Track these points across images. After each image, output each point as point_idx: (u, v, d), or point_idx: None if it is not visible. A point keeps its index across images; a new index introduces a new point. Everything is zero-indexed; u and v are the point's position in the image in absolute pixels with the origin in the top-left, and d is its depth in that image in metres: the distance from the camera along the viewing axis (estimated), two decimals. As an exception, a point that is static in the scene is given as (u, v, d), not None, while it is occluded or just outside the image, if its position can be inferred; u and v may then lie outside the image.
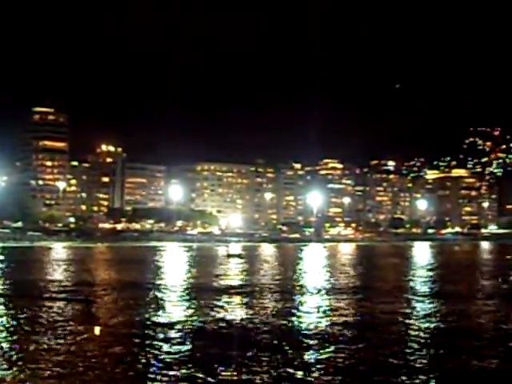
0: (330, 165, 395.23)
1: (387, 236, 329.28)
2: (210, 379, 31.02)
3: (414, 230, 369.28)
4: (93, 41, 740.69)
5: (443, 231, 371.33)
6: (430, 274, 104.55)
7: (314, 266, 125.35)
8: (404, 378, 31.76)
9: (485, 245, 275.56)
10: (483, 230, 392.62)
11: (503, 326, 48.21)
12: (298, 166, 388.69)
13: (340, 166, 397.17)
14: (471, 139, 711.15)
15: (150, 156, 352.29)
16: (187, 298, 67.16)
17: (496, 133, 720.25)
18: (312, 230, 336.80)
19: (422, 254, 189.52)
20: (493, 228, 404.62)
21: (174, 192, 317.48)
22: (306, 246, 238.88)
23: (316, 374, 32.29)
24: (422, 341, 41.67)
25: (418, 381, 31.50)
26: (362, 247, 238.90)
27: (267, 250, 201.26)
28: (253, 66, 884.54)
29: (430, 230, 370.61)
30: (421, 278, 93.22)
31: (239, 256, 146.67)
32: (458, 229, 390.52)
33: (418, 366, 34.60)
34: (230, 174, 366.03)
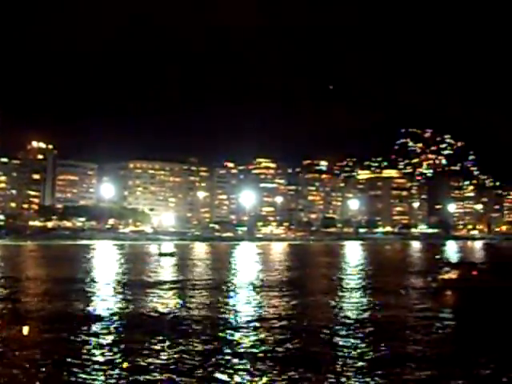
0: (263, 164, 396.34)
1: (319, 235, 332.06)
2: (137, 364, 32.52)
3: (346, 230, 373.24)
4: (25, 37, 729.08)
5: (374, 230, 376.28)
6: (360, 271, 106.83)
7: (245, 264, 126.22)
8: (328, 363, 33.36)
9: (415, 244, 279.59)
10: (413, 230, 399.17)
11: (422, 316, 50.14)
12: (231, 164, 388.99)
13: (273, 165, 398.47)
14: (402, 140, 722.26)
15: (82, 153, 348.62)
16: (118, 291, 68.03)
17: (427, 134, 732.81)
18: (245, 228, 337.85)
19: (353, 253, 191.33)
20: (423, 228, 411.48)
21: (106, 190, 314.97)
22: (238, 244, 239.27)
23: (240, 360, 33.80)
24: (348, 327, 44.76)
25: (340, 363, 33.37)
26: (294, 246, 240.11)
27: (199, 249, 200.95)
28: (187, 66, 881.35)
29: (362, 230, 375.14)
30: (350, 275, 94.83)
31: (171, 255, 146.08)
32: (388, 228, 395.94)
33: (343, 352, 36.39)
34: (163, 172, 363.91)
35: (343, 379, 30.53)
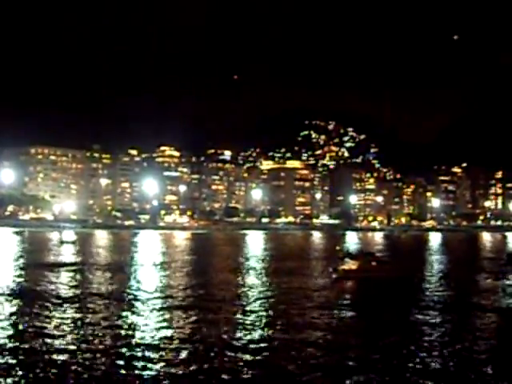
0: (167, 152, 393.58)
1: (222, 225, 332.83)
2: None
3: (249, 219, 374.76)
4: None
5: (277, 220, 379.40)
6: (263, 259, 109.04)
7: (145, 250, 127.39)
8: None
9: (316, 235, 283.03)
10: (315, 220, 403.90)
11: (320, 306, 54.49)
12: (134, 152, 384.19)
13: (177, 153, 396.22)
14: (306, 132, 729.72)
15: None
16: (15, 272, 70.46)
17: (330, 127, 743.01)
18: (147, 217, 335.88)
19: (255, 242, 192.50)
20: (324, 218, 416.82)
21: (6, 176, 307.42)
22: (140, 233, 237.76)
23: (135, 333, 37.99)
24: (254, 301, 48.86)
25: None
26: (197, 235, 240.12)
27: (101, 237, 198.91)
28: (89, 52, 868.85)
29: (264, 220, 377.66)
30: (253, 264, 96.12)
31: (72, 242, 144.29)
32: (291, 218, 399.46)
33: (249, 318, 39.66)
34: (65, 159, 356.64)
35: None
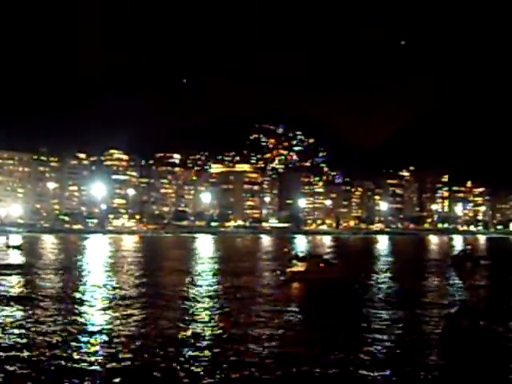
0: (116, 156, 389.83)
1: (171, 228, 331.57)
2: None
3: (198, 223, 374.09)
4: None
5: (226, 224, 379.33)
6: (211, 262, 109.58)
7: (94, 253, 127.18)
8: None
9: (265, 238, 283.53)
10: (264, 224, 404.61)
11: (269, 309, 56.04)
12: (82, 155, 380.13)
13: (125, 157, 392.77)
14: (255, 135, 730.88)
15: None
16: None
17: (279, 130, 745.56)
18: (95, 221, 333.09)
19: (204, 245, 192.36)
20: (273, 222, 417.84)
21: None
22: (88, 237, 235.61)
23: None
24: (204, 299, 50.13)
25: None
26: (146, 239, 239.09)
27: (48, 241, 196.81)
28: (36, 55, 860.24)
29: (214, 223, 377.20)
30: (201, 267, 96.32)
31: (19, 247, 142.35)
32: (240, 222, 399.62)
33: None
34: (11, 162, 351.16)
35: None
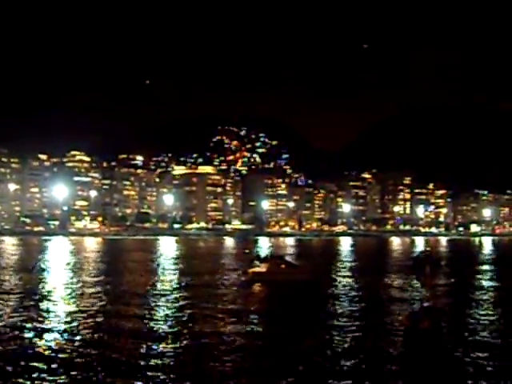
0: (78, 157, 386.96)
1: (134, 230, 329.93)
2: None
3: (161, 225, 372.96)
4: None
5: (189, 226, 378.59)
6: (173, 263, 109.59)
7: (55, 255, 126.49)
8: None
9: (228, 240, 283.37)
10: (227, 226, 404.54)
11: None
12: (44, 156, 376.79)
13: (87, 158, 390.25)
14: (218, 137, 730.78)
15: None
16: None
17: (242, 132, 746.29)
18: (57, 223, 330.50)
19: (167, 247, 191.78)
20: (236, 224, 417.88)
21: None
22: (50, 239, 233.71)
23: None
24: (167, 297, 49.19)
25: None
26: (108, 241, 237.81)
27: (9, 243, 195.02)
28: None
29: (176, 225, 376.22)
30: (162, 267, 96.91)
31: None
32: (203, 224, 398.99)
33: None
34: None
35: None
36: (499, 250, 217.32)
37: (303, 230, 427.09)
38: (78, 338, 36.82)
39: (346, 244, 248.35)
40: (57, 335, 37.44)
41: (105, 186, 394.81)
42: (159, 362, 31.83)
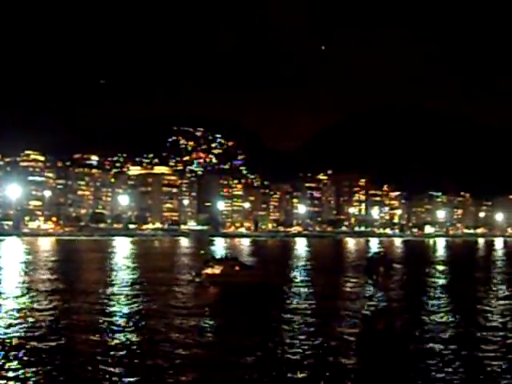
0: (32, 156, 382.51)
1: (88, 231, 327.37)
2: None
3: (116, 226, 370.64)
4: None
5: (144, 227, 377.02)
6: (129, 263, 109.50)
7: (7, 255, 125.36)
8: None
9: (183, 241, 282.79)
10: (183, 227, 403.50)
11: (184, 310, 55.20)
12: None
13: (42, 158, 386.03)
14: (174, 138, 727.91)
15: None
16: None
17: (198, 133, 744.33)
18: (10, 223, 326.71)
19: (122, 248, 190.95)
20: (192, 224, 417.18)
21: None
22: (3, 239, 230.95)
23: None
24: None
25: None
26: (62, 241, 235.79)
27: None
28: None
29: (131, 226, 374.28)
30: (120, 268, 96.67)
31: None
32: (158, 225, 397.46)
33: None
34: None
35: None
36: (452, 250, 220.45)
37: (259, 230, 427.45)
38: (37, 333, 37.95)
39: (301, 245, 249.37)
40: (12, 329, 38.55)
41: (59, 186, 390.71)
42: (113, 353, 33.05)
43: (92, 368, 30.38)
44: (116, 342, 35.94)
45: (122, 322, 42.82)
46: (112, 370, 30.18)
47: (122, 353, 33.43)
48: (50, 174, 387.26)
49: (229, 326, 44.81)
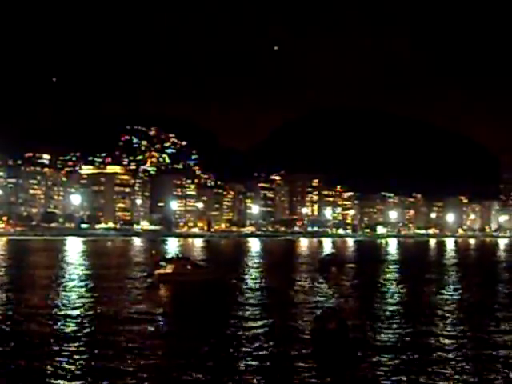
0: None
1: (39, 230, 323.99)
2: None
3: (68, 225, 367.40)
4: None
5: (96, 226, 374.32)
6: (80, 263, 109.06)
7: None
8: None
9: (136, 240, 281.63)
10: (135, 226, 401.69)
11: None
12: None
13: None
14: (127, 137, 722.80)
15: None
16: None
17: (152, 132, 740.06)
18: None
19: (73, 248, 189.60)
20: (145, 224, 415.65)
21: None
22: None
23: None
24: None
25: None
26: (12, 241, 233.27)
27: None
28: None
29: (84, 225, 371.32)
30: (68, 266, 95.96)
31: None
32: (110, 224, 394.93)
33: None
34: None
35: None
36: (404, 250, 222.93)
37: (212, 231, 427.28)
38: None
39: (254, 245, 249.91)
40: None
41: (10, 185, 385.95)
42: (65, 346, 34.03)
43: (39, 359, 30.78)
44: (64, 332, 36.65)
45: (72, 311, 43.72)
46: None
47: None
48: (1, 173, 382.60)
49: (181, 326, 44.74)
